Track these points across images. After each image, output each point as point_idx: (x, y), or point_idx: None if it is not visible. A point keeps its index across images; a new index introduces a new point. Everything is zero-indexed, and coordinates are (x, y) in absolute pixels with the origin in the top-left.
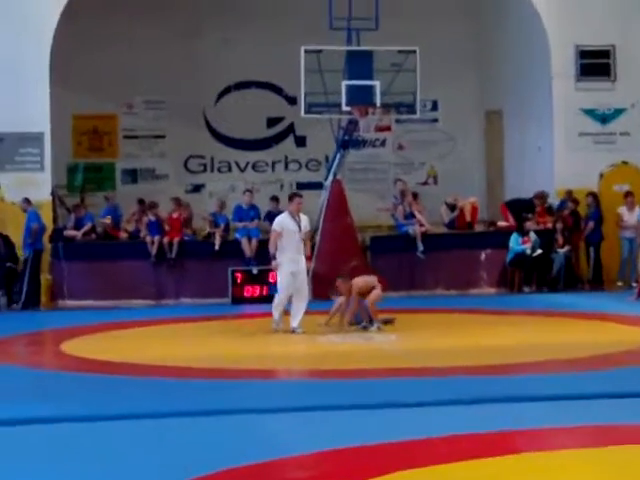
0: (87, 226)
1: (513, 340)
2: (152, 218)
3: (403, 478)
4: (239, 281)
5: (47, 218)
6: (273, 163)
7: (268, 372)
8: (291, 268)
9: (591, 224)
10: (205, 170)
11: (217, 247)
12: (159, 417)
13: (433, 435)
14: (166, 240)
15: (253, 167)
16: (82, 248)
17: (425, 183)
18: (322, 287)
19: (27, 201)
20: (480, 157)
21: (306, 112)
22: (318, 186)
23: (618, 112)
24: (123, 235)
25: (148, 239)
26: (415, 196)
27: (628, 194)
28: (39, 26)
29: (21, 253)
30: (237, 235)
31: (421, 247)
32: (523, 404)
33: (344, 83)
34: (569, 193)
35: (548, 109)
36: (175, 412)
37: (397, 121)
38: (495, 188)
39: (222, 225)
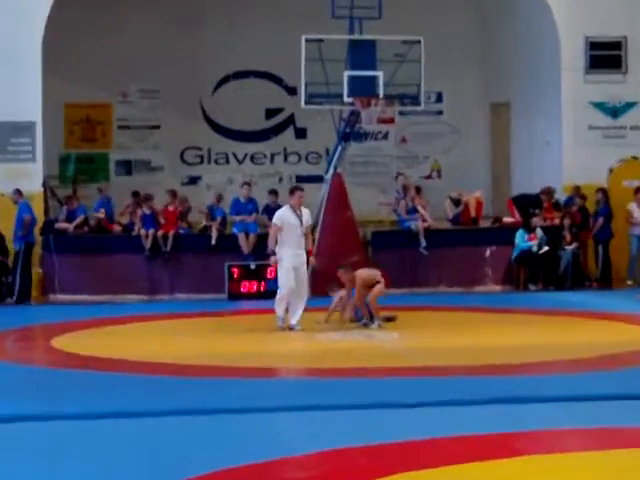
0: (79, 218)
1: (518, 339)
2: (147, 211)
3: (406, 479)
4: (236, 276)
5: (38, 210)
6: (272, 155)
7: (267, 370)
8: (292, 263)
9: (600, 220)
10: (202, 162)
11: (214, 241)
12: (153, 416)
13: (434, 436)
14: (161, 233)
15: (251, 159)
16: (74, 241)
17: (429, 177)
18: (321, 283)
19: (18, 192)
20: (486, 151)
21: (306, 103)
22: (318, 179)
23: (629, 105)
24: (117, 228)
25: (142, 232)
26: (418, 190)
27: (638, 190)
28: (31, 12)
29: (12, 246)
30: (234, 230)
31: (424, 243)
32: (528, 405)
33: (346, 73)
34: (577, 189)
35: (556, 102)
36: (170, 411)
37: (400, 113)
38: (501, 183)
39: (219, 218)
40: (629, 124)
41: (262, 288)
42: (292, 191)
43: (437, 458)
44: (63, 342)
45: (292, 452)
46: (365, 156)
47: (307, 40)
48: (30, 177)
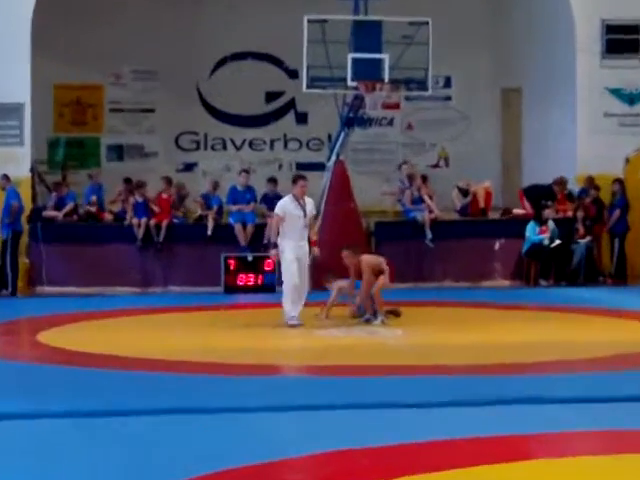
0: (69, 206)
1: (528, 337)
2: (139, 199)
3: None
4: (232, 268)
5: (26, 197)
6: (271, 141)
7: (264, 368)
8: (294, 255)
9: (617, 213)
10: (198, 148)
11: (210, 231)
12: (144, 414)
13: (439, 438)
14: (153, 223)
15: (250, 145)
16: (63, 230)
17: (436, 166)
18: (322, 276)
19: (6, 178)
20: (496, 138)
21: (308, 87)
22: (320, 167)
23: None
24: (108, 217)
25: (134, 221)
26: (424, 179)
27: None
28: None
29: None
30: (231, 220)
31: (430, 235)
32: (538, 406)
33: (350, 56)
34: (590, 179)
35: (571, 88)
36: (162, 409)
37: (406, 98)
38: (511, 172)
39: (215, 207)
40: None
41: (260, 281)
42: (295, 180)
43: (442, 461)
44: (50, 337)
45: (291, 453)
46: (369, 143)
47: (309, 21)
48: (18, 162)
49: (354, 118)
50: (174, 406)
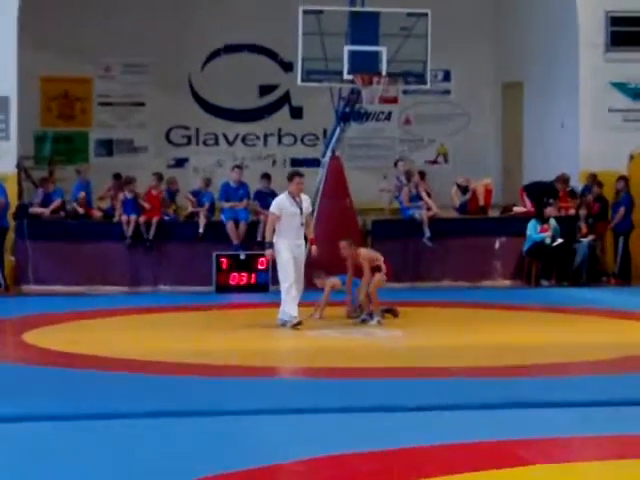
0: (56, 202)
1: (528, 339)
2: (128, 195)
3: None
4: (224, 267)
5: (11, 193)
6: (265, 136)
7: (257, 370)
8: (291, 253)
9: (622, 211)
10: (189, 143)
11: (201, 229)
12: (133, 417)
13: (437, 443)
14: (143, 220)
15: (243, 140)
16: (50, 227)
17: (434, 162)
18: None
19: None
20: (496, 134)
21: (303, 80)
22: (315, 163)
23: None
24: (96, 213)
25: (123, 218)
26: (422, 176)
27: None
28: None
29: None
30: (223, 217)
31: (428, 233)
32: (539, 410)
33: (346, 48)
34: (593, 176)
35: (574, 82)
36: (151, 412)
37: (404, 92)
38: (512, 169)
39: (207, 204)
40: None
41: (253, 280)
42: (291, 177)
43: (440, 466)
44: (36, 337)
45: (285, 458)
46: (366, 138)
47: (305, 12)
48: (3, 157)
49: (350, 112)
50: (163, 409)
